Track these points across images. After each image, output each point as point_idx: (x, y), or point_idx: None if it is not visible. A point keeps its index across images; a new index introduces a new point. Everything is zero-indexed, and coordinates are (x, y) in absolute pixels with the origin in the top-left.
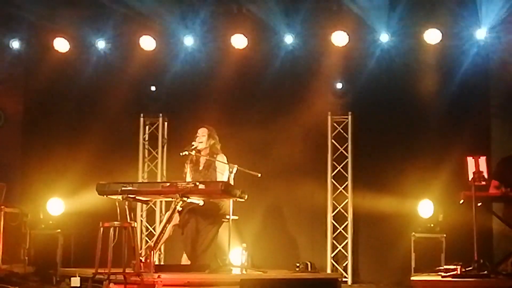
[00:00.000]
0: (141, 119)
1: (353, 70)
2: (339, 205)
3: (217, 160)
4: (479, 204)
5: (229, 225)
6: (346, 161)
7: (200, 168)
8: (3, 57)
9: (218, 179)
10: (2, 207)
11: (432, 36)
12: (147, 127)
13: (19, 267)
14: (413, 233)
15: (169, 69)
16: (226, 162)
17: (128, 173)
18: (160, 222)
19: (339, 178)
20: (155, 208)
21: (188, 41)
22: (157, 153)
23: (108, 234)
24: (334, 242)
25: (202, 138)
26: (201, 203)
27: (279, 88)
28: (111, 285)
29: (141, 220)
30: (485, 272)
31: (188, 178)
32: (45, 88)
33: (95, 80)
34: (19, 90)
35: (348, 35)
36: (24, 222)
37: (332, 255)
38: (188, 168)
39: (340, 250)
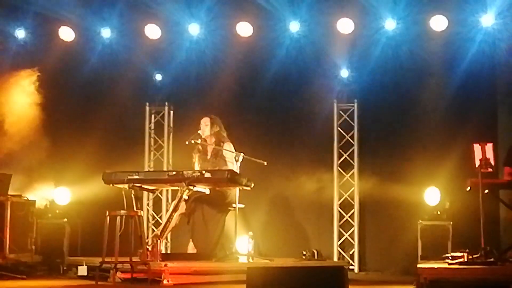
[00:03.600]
0: (147, 108)
1: (359, 58)
2: (346, 193)
3: (224, 149)
4: (486, 191)
5: (235, 213)
6: (352, 149)
7: (208, 157)
8: (9, 46)
9: (228, 168)
10: (9, 196)
11: (438, 22)
12: (153, 116)
13: (26, 256)
14: (420, 220)
15: (174, 57)
16: (233, 150)
17: (134, 162)
18: (167, 210)
19: (346, 166)
20: (162, 197)
21: (193, 29)
22: (163, 142)
23: (115, 223)
24: (341, 230)
25: (205, 128)
26: (207, 191)
27: (285, 76)
28: (118, 273)
29: (148, 209)
30: (492, 259)
31: (197, 168)
32: (51, 77)
33: (100, 69)
34: None
35: (354, 22)
36: (31, 211)
37: (339, 243)
38: (196, 158)
39: (346, 238)
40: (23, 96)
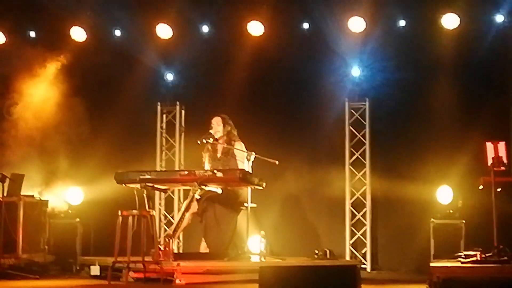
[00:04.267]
0: (158, 107)
1: (370, 56)
2: (357, 192)
3: (235, 148)
4: (498, 190)
5: (247, 213)
6: (364, 147)
7: (219, 155)
8: (21, 46)
9: (238, 167)
10: (21, 196)
11: (450, 20)
12: (164, 115)
13: (39, 256)
14: (432, 219)
15: (185, 57)
16: (244, 149)
17: (146, 162)
18: (179, 210)
19: (357, 165)
20: (174, 197)
21: (205, 28)
22: (174, 141)
23: (127, 223)
24: (353, 229)
25: (217, 127)
26: (219, 191)
27: (296, 75)
28: (131, 273)
29: (160, 209)
30: (505, 258)
31: (207, 167)
32: (62, 77)
33: (112, 69)
34: None
35: (365, 20)
36: (43, 211)
37: (351, 242)
38: (206, 157)
39: (358, 237)
40: (36, 96)
